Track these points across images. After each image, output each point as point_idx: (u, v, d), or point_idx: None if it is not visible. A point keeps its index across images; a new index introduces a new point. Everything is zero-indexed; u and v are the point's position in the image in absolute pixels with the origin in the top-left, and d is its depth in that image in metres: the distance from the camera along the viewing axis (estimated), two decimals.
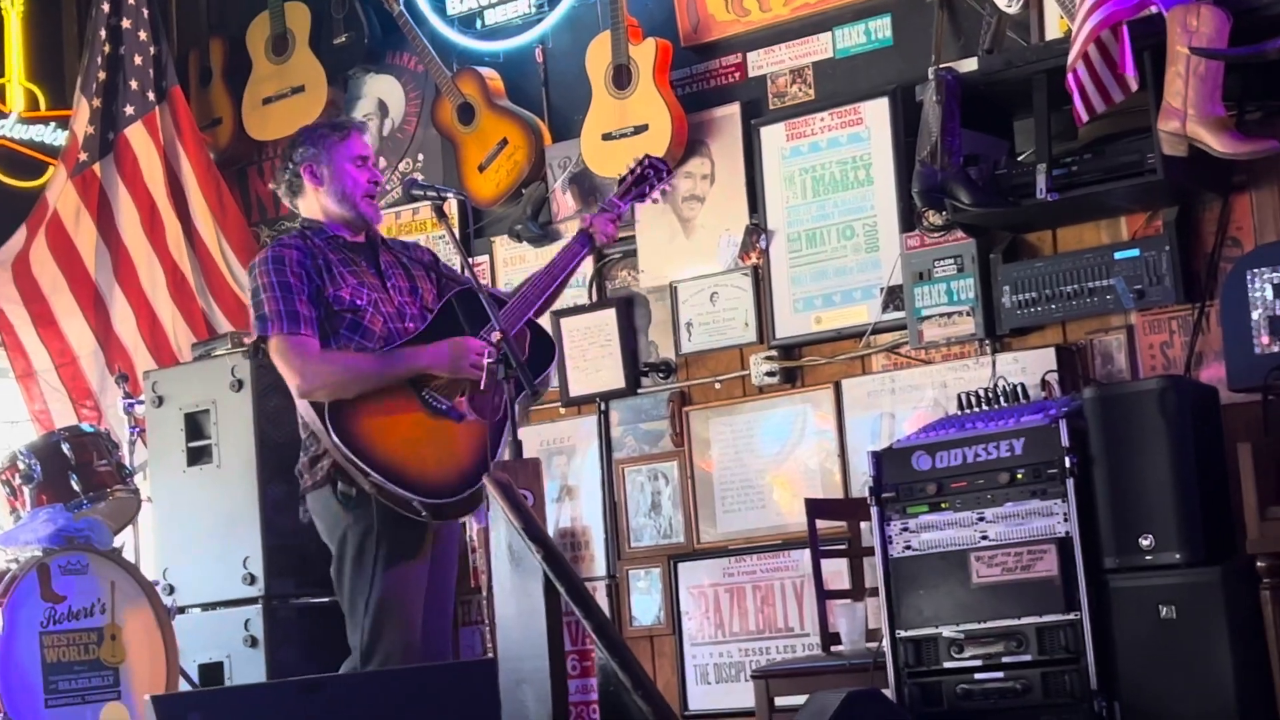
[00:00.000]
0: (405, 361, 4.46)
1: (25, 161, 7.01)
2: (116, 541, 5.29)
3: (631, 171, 5.14)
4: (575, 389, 6.10)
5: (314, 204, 4.69)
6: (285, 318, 4.43)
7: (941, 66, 5.07)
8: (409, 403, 4.45)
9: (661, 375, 5.98)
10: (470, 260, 4.91)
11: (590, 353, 6.06)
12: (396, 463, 4.37)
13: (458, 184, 6.27)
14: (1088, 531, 4.41)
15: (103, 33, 6.90)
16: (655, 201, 5.30)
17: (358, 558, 4.42)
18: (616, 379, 6.03)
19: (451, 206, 5.96)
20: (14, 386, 6.79)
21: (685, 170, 5.96)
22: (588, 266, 6.14)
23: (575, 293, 6.16)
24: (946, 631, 4.56)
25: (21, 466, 5.21)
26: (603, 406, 6.09)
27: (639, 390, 6.03)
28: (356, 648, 4.40)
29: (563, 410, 6.16)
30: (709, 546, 5.84)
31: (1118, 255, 5.00)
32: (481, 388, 4.40)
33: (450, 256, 6.36)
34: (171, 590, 5.83)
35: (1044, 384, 5.09)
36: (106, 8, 6.89)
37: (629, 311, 6.07)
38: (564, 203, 6.22)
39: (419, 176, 6.55)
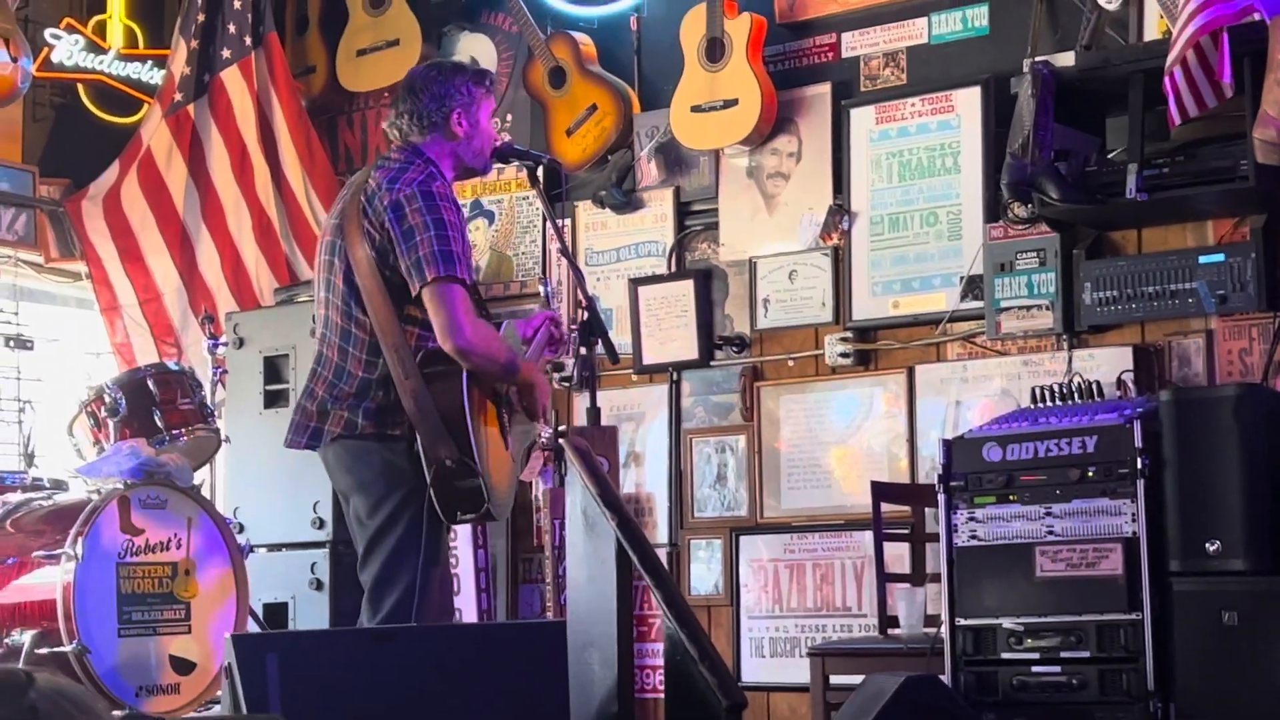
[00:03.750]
0: (521, 369, 4.36)
1: (121, 98, 7.11)
2: (195, 479, 5.38)
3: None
4: (649, 357, 6.15)
5: (443, 148, 4.45)
6: (466, 267, 4.25)
7: (1038, 60, 5.07)
8: (495, 403, 4.39)
9: (735, 349, 6.02)
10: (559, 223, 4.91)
11: (666, 322, 6.11)
12: (486, 459, 4.27)
13: (545, 146, 6.32)
14: (1155, 533, 4.42)
15: None
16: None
17: (416, 517, 4.32)
18: (690, 350, 6.07)
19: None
20: (98, 319, 6.90)
21: (771, 147, 5.99)
22: (669, 238, 6.19)
23: (655, 262, 6.22)
24: (1006, 623, 4.58)
25: (108, 400, 5.31)
26: (675, 376, 6.14)
27: (712, 363, 6.08)
28: (388, 598, 4.31)
29: (635, 378, 6.21)
30: (771, 521, 5.89)
31: (1202, 259, 5.00)
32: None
33: (538, 220, 6.43)
34: (241, 529, 5.93)
35: (1119, 383, 5.10)
36: None
37: (707, 284, 6.11)
38: (649, 171, 6.26)
39: (508, 137, 6.61)
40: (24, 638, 4.79)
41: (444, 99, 4.45)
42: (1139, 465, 4.42)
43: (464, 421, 4.19)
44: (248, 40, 6.96)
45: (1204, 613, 4.35)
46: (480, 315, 4.38)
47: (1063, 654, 4.50)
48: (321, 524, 5.94)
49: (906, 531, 5.23)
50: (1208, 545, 4.36)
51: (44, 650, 4.77)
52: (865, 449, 5.73)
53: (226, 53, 6.96)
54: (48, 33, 6.92)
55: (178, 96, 6.96)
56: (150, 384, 5.39)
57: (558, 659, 3.62)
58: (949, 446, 4.73)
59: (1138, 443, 4.43)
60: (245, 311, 6.54)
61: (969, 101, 5.57)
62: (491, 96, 4.58)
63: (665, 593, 3.51)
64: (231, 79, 6.96)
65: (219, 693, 4.50)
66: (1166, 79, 4.58)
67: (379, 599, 4.32)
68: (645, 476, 6.18)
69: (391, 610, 4.26)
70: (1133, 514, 4.43)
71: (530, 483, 6.15)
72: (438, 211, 4.24)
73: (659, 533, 6.09)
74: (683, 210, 6.22)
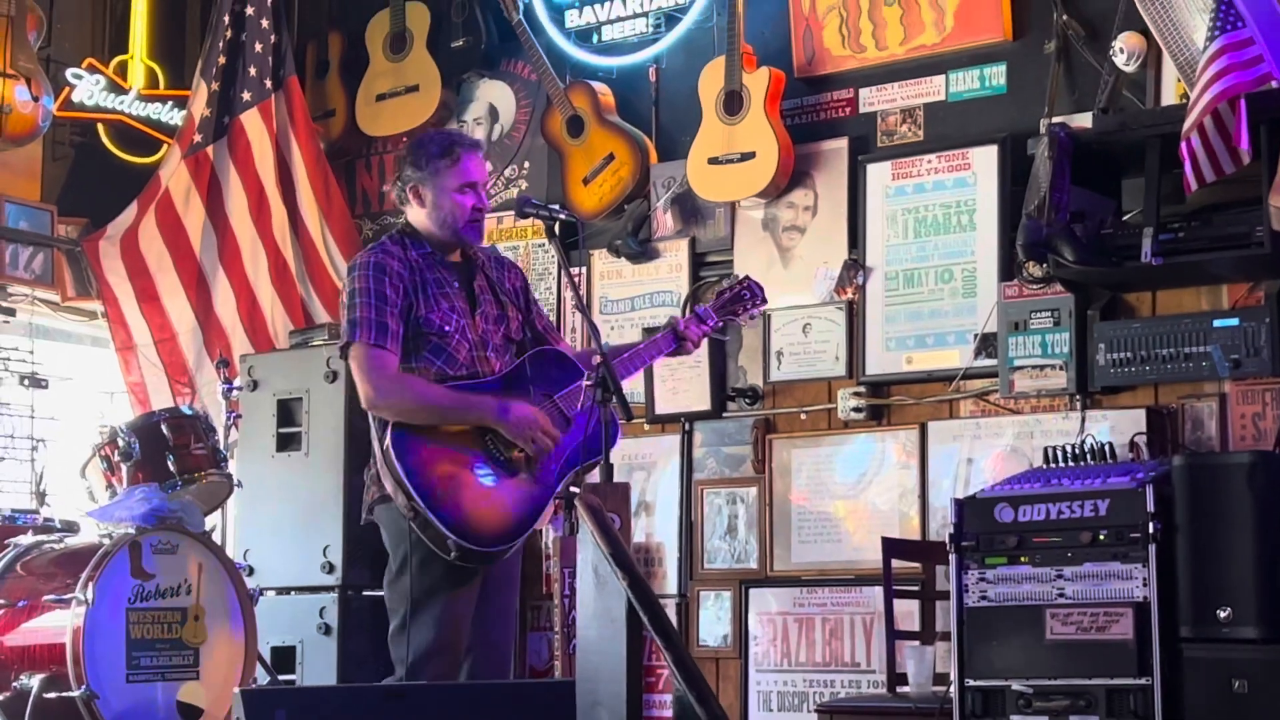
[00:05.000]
0: (476, 410, 4.41)
1: (141, 138, 7.15)
2: (206, 524, 5.39)
3: (730, 288, 5.00)
4: (661, 407, 6.16)
5: (419, 218, 4.64)
6: (374, 328, 4.42)
7: (1055, 121, 5.09)
8: (473, 443, 4.43)
9: (748, 401, 6.02)
10: (573, 272, 4.93)
11: (680, 373, 6.12)
12: (444, 497, 4.34)
13: (561, 194, 6.35)
14: (1166, 598, 4.41)
15: (226, 18, 7.02)
16: (744, 325, 5.20)
17: (419, 578, 4.40)
18: (703, 400, 6.08)
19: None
20: (113, 358, 6.91)
21: (788, 200, 6.01)
22: (684, 288, 6.21)
23: (669, 311, 6.23)
24: (1016, 684, 4.57)
25: (121, 444, 5.32)
26: (687, 426, 6.15)
27: (724, 414, 6.08)
28: (401, 661, 4.38)
29: (646, 427, 6.21)
30: (781, 574, 5.88)
31: (1216, 323, 5.00)
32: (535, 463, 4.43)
33: (553, 268, 6.44)
34: (251, 571, 5.93)
35: (1132, 445, 5.10)
36: None
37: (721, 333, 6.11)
38: (665, 222, 6.28)
39: (524, 185, 6.64)
40: (32, 681, 4.80)
41: (399, 177, 4.68)
42: (1151, 530, 4.42)
43: (398, 470, 4.30)
44: (268, 83, 7.00)
45: (1214, 680, 4.34)
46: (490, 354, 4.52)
47: (1072, 718, 4.48)
48: (331, 568, 5.95)
49: (917, 588, 5.23)
50: (1219, 612, 4.35)
51: (52, 695, 4.77)
52: (876, 504, 5.73)
53: (247, 95, 7.00)
54: (69, 72, 6.96)
55: (197, 138, 7.00)
56: (164, 428, 5.41)
57: (566, 718, 3.61)
58: (961, 506, 4.73)
59: (1150, 507, 4.43)
60: (260, 354, 6.56)
61: (985, 159, 5.58)
62: (461, 164, 4.58)
63: (675, 654, 3.50)
64: (251, 121, 6.99)
65: None
66: (1183, 144, 4.59)
67: (396, 651, 4.38)
68: (655, 526, 6.18)
69: (410, 666, 4.33)
70: (1144, 578, 4.43)
71: (540, 530, 6.15)
72: (354, 283, 4.49)
73: (668, 583, 6.09)
74: (698, 261, 6.24)
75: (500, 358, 4.59)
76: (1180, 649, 4.39)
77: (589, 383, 4.31)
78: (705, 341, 5.97)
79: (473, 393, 4.46)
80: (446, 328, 4.49)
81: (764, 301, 5.04)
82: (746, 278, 5.04)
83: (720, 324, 4.91)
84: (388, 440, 4.37)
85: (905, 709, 4.83)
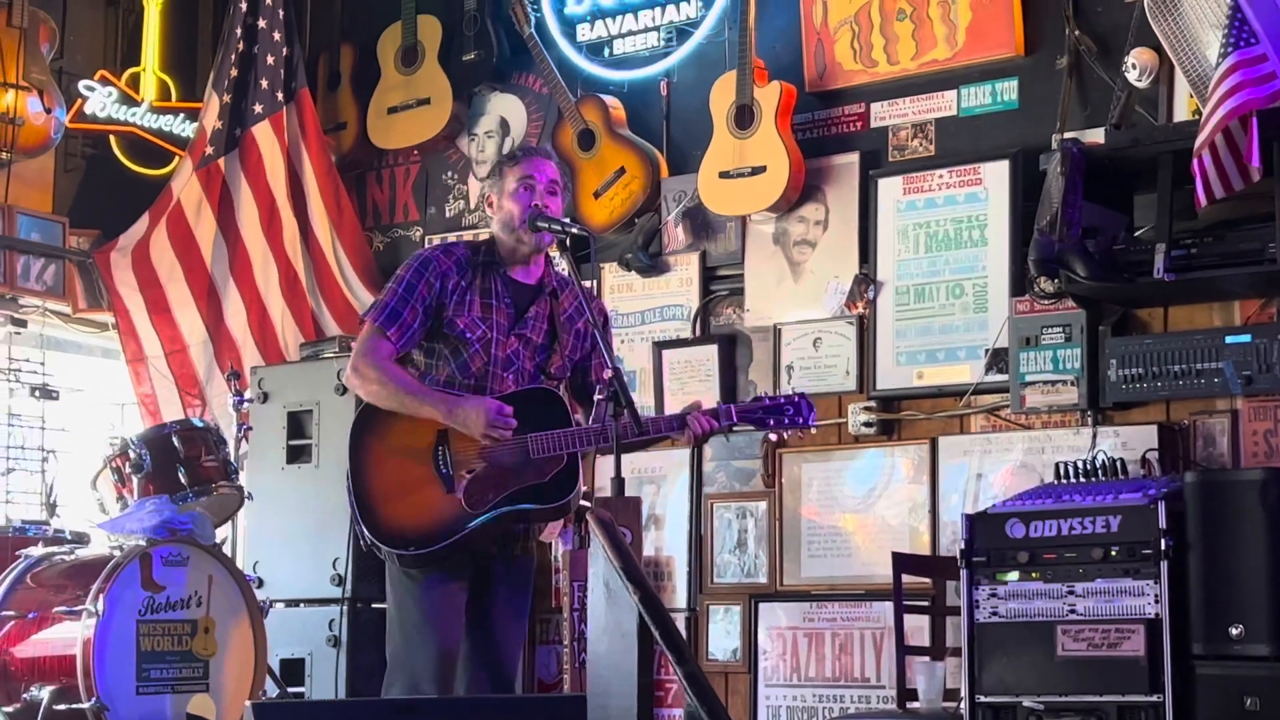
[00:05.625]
0: (430, 401, 4.44)
1: (153, 150, 7.17)
2: (216, 536, 5.40)
3: (773, 398, 4.73)
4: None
5: (494, 226, 4.69)
6: (388, 314, 4.52)
7: (1067, 137, 5.09)
8: (423, 453, 4.47)
9: None
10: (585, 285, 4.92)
11: (690, 386, 6.11)
12: (375, 494, 4.45)
13: (572, 208, 6.35)
14: (1178, 615, 4.40)
15: (238, 30, 7.04)
16: (773, 439, 5.06)
17: (395, 574, 4.51)
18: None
19: None
20: (124, 369, 6.92)
21: (799, 214, 6.01)
22: (694, 302, 6.21)
23: (679, 325, 6.23)
24: (1027, 701, 4.56)
25: (132, 456, 5.33)
26: None
27: (735, 428, 6.06)
28: (389, 654, 4.49)
29: None
30: (791, 589, 5.87)
31: (1228, 339, 4.99)
32: (487, 456, 4.42)
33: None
34: (261, 583, 5.93)
35: (1144, 461, 5.09)
36: (244, 6, 7.04)
37: (731, 349, 6.12)
38: (675, 236, 6.28)
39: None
40: (43, 693, 4.80)
41: (485, 185, 4.89)
42: (1163, 546, 4.41)
43: (346, 455, 4.50)
44: (280, 95, 7.02)
45: (1226, 697, 4.33)
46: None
47: None
48: (341, 581, 5.95)
49: (927, 604, 5.21)
50: (1231, 629, 4.35)
51: (62, 707, 4.77)
52: (886, 518, 5.72)
53: (258, 107, 7.01)
54: (81, 84, 6.99)
55: (209, 150, 7.01)
56: (175, 440, 5.42)
57: None
58: (972, 521, 4.72)
59: (1162, 523, 4.43)
60: (270, 366, 6.56)
61: (997, 175, 5.58)
62: (522, 164, 4.64)
63: (687, 670, 3.49)
64: (263, 134, 7.01)
65: None
66: (1195, 161, 4.59)
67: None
68: (665, 540, 6.17)
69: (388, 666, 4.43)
70: (1156, 595, 4.42)
71: (550, 544, 6.15)
72: (400, 270, 4.62)
73: (678, 597, 6.08)
74: (708, 275, 6.24)
75: (522, 384, 4.57)
76: (1192, 666, 4.38)
77: (600, 396, 4.31)
78: (716, 353, 6.07)
79: (437, 389, 4.50)
80: (469, 335, 4.52)
81: (808, 425, 4.66)
82: (800, 395, 4.71)
83: (734, 425, 4.70)
84: (350, 432, 4.51)
85: None
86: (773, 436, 4.87)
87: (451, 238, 6.62)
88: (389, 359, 4.51)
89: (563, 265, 4.78)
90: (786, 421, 4.68)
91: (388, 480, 4.46)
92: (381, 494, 4.45)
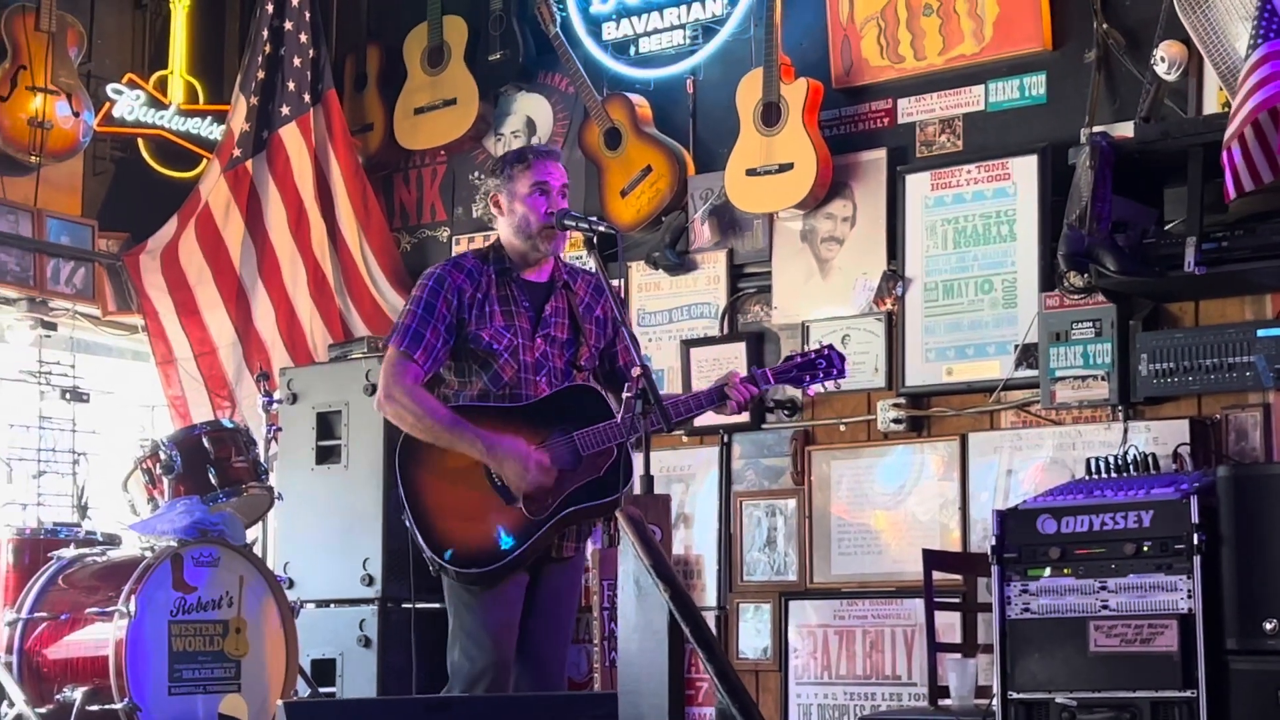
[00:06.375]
0: (468, 439, 4.42)
1: (181, 153, 7.19)
2: (246, 536, 5.41)
3: (804, 353, 4.78)
4: (700, 419, 6.10)
5: (502, 229, 4.67)
6: (410, 337, 4.49)
7: (1096, 131, 5.06)
8: (474, 470, 4.44)
9: (787, 413, 6.01)
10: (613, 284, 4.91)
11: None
12: (436, 519, 4.43)
13: (599, 207, 6.35)
14: (1211, 610, 4.37)
15: (265, 33, 7.06)
16: (815, 394, 4.98)
17: (455, 586, 4.48)
18: (728, 414, 6.05)
19: None
20: (154, 372, 6.94)
21: (826, 211, 6.00)
22: (722, 300, 6.20)
23: (707, 323, 6.22)
24: (1059, 697, 4.54)
25: (163, 457, 5.35)
26: (725, 439, 6.13)
27: (763, 426, 6.07)
28: (450, 665, 4.46)
29: (685, 439, 6.20)
30: (821, 587, 5.86)
31: (1260, 333, 4.97)
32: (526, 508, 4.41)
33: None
34: (291, 584, 5.94)
35: (1176, 456, 5.06)
36: (270, 9, 7.05)
37: (759, 347, 6.11)
38: (702, 233, 6.28)
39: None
40: (75, 694, 4.82)
41: (490, 182, 4.72)
42: (1195, 541, 4.38)
43: (398, 481, 4.46)
44: (307, 97, 7.03)
45: (1261, 692, 4.30)
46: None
47: None
48: (371, 581, 5.95)
49: (958, 600, 5.20)
50: (1265, 624, 4.32)
51: (94, 708, 4.79)
52: (916, 515, 5.70)
53: (285, 109, 7.03)
54: (110, 88, 7.01)
55: (236, 152, 7.03)
56: (205, 441, 5.43)
57: None
58: (1003, 518, 4.70)
59: (1194, 518, 4.40)
60: (299, 367, 6.58)
61: (1026, 170, 5.56)
62: (535, 166, 4.61)
63: (718, 666, 3.49)
64: (290, 136, 7.02)
65: None
66: (1224, 154, 4.57)
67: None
68: (694, 538, 6.17)
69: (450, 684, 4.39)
70: (1189, 590, 4.39)
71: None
72: (415, 290, 4.59)
73: (707, 595, 6.07)
74: (736, 273, 6.23)
75: (555, 384, 4.57)
76: (1226, 661, 4.36)
77: (629, 394, 4.30)
78: (744, 350, 6.06)
79: (483, 424, 4.44)
80: (496, 346, 4.50)
81: (842, 374, 4.73)
82: (829, 346, 4.78)
83: (773, 387, 4.74)
84: (397, 455, 4.47)
85: None
86: (810, 391, 4.81)
87: (479, 239, 6.63)
88: (419, 384, 4.49)
89: (590, 263, 4.76)
90: (821, 376, 4.71)
91: (445, 503, 4.45)
92: (443, 518, 4.43)
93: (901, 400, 5.74)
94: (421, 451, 4.47)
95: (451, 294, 4.52)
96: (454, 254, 4.68)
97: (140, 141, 7.15)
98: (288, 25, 7.05)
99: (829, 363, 4.71)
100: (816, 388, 4.81)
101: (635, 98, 6.41)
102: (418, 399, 4.46)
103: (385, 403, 4.50)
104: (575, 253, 6.52)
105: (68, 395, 6.04)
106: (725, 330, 6.20)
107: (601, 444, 4.43)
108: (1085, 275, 5.14)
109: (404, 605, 5.96)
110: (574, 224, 4.55)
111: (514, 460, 4.39)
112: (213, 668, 5.00)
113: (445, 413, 4.46)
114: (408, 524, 4.45)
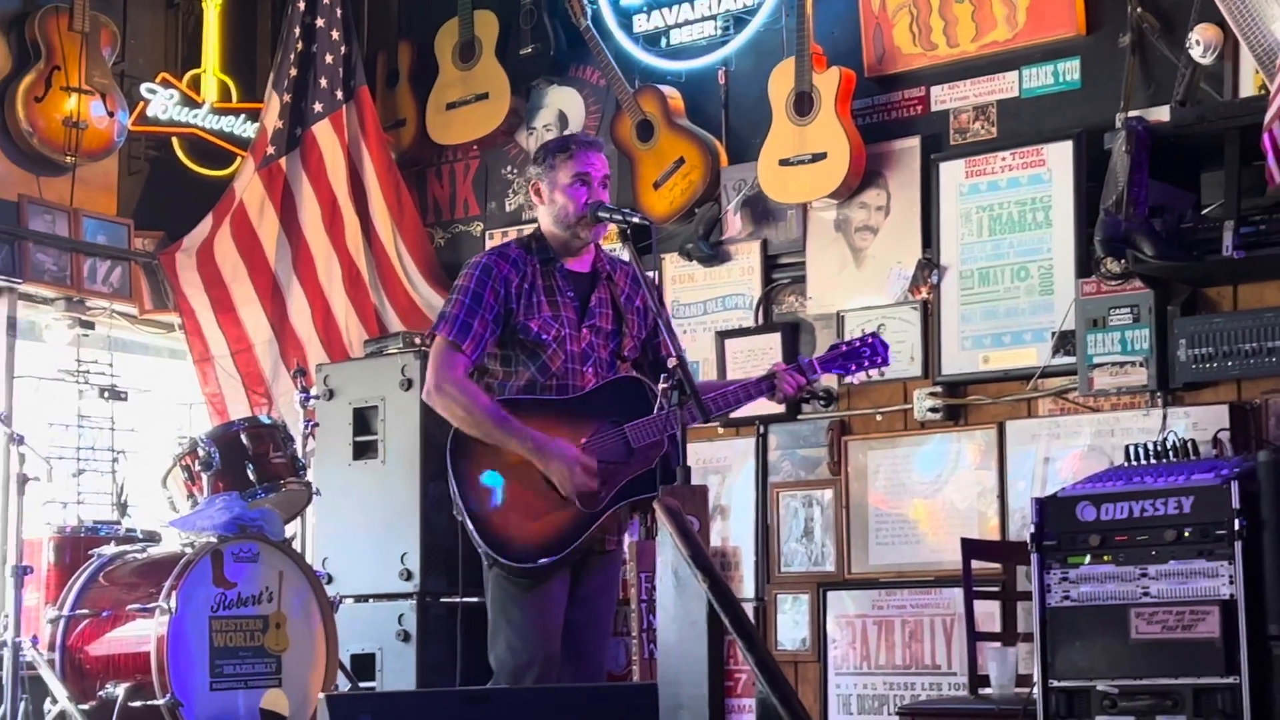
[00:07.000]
0: (517, 439, 4.40)
1: (215, 151, 7.22)
2: (285, 532, 5.43)
3: (848, 341, 4.82)
4: (736, 410, 6.12)
5: (542, 218, 4.68)
6: (458, 326, 4.48)
7: (1131, 115, 5.03)
8: (527, 465, 4.43)
9: (822, 403, 5.99)
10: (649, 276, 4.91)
11: (753, 375, 6.07)
12: (482, 508, 4.42)
13: (632, 199, 6.35)
14: (1253, 596, 4.34)
15: (297, 30, 7.08)
16: (860, 382, 4.98)
17: (499, 580, 4.48)
18: (777, 404, 6.04)
19: None
20: (191, 369, 6.98)
21: (860, 200, 5.98)
22: (756, 291, 6.19)
23: (742, 314, 6.21)
24: (1100, 685, 4.51)
25: (201, 454, 5.38)
26: (761, 430, 6.12)
27: (799, 416, 6.06)
28: (494, 659, 4.46)
29: (721, 430, 6.20)
30: (859, 577, 5.85)
31: None
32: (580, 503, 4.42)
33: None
34: (330, 579, 5.97)
35: (1215, 441, 5.03)
36: (302, 6, 7.07)
37: (794, 337, 6.10)
38: (736, 224, 6.27)
39: None
40: (118, 690, 4.85)
41: (530, 170, 4.72)
42: (1236, 526, 4.35)
43: (450, 476, 4.45)
44: (339, 94, 7.05)
45: None
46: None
47: (1158, 718, 4.42)
48: (409, 575, 5.97)
49: (997, 589, 5.18)
50: None
51: (137, 704, 4.82)
52: (954, 504, 5.68)
53: (318, 106, 7.05)
54: (143, 87, 7.04)
55: (270, 150, 7.05)
56: (243, 438, 5.46)
57: None
58: (1042, 505, 4.67)
59: (1235, 503, 4.36)
60: (335, 363, 6.60)
61: (1060, 156, 5.53)
62: (576, 157, 4.60)
63: (758, 656, 3.49)
64: (323, 132, 7.04)
65: None
66: (1265, 136, 4.53)
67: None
68: (731, 530, 6.16)
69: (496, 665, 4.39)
70: (1230, 576, 4.36)
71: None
72: (460, 279, 4.57)
73: (745, 587, 6.07)
74: (770, 263, 6.22)
75: (601, 374, 4.58)
76: (1269, 647, 4.32)
77: (665, 384, 4.29)
78: (779, 341, 6.04)
79: (532, 417, 4.44)
80: (544, 336, 4.50)
81: (886, 363, 4.77)
82: (873, 334, 4.81)
83: (820, 376, 4.74)
84: (448, 446, 4.46)
85: (988, 711, 4.79)
86: (856, 379, 4.81)
87: (512, 232, 6.64)
88: (467, 376, 4.48)
89: (624, 254, 4.76)
90: (866, 363, 4.74)
91: (500, 498, 4.44)
92: (498, 512, 4.43)
93: (938, 389, 5.72)
94: (470, 451, 4.46)
95: (499, 284, 4.52)
96: (487, 248, 4.66)
97: (174, 140, 7.18)
98: (320, 22, 7.07)
99: (873, 350, 4.74)
100: (860, 376, 4.80)
101: (667, 89, 6.41)
102: (469, 394, 4.46)
103: (435, 394, 4.48)
104: (609, 245, 6.53)
105: (106, 394, 6.07)
106: (760, 321, 6.19)
107: (653, 435, 4.43)
108: (1122, 261, 5.10)
109: (442, 599, 5.99)
110: (608, 216, 4.55)
111: (560, 463, 4.39)
112: (253, 663, 5.02)
113: (495, 408, 4.45)
114: (460, 518, 4.44)
